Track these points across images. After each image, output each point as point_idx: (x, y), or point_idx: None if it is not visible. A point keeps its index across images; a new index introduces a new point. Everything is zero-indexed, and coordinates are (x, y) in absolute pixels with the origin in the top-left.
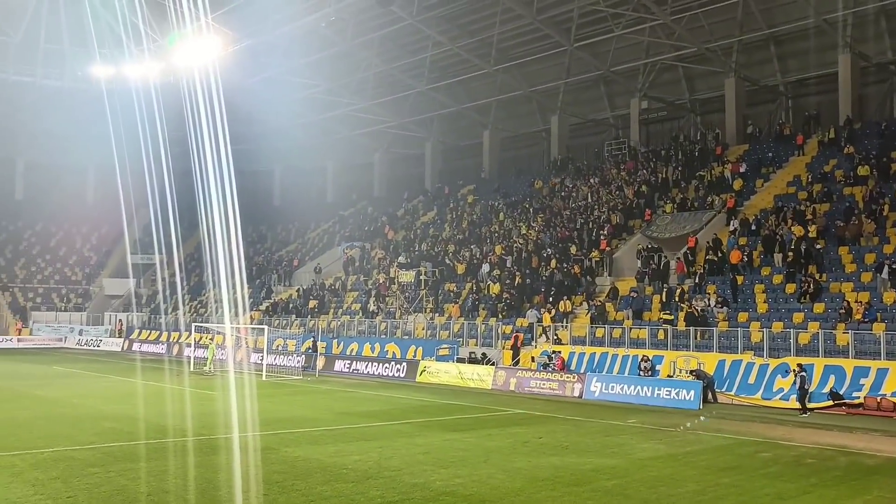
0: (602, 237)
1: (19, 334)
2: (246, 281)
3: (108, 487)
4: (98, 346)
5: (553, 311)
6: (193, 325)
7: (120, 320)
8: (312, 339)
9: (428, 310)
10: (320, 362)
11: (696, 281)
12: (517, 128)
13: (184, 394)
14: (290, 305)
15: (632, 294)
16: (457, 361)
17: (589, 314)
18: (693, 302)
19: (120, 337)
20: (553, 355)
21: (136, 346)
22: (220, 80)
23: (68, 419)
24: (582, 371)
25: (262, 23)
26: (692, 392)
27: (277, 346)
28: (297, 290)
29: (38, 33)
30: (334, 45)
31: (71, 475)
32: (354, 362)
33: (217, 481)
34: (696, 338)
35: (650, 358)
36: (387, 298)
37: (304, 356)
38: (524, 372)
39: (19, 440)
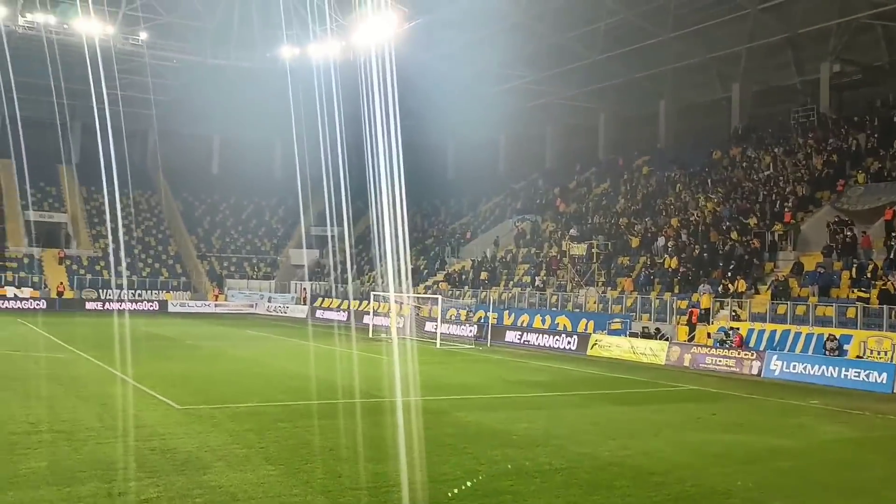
0: (786, 209)
1: (216, 300)
2: (412, 254)
3: (294, 441)
4: (285, 313)
5: (732, 287)
6: (372, 294)
7: (304, 288)
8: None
9: (600, 283)
10: (492, 333)
11: (893, 256)
12: (695, 97)
13: (366, 359)
14: (464, 277)
15: (818, 269)
16: (629, 336)
17: (769, 290)
18: (889, 278)
19: (305, 304)
20: (731, 332)
21: (319, 313)
22: (394, 57)
23: (259, 377)
24: (761, 349)
25: None
26: (884, 374)
27: (451, 315)
28: (471, 262)
29: (231, 19)
30: (508, 17)
31: (263, 428)
32: (525, 333)
33: (395, 439)
34: (890, 317)
35: (837, 337)
36: (558, 272)
37: (476, 326)
38: (699, 348)
39: (218, 394)
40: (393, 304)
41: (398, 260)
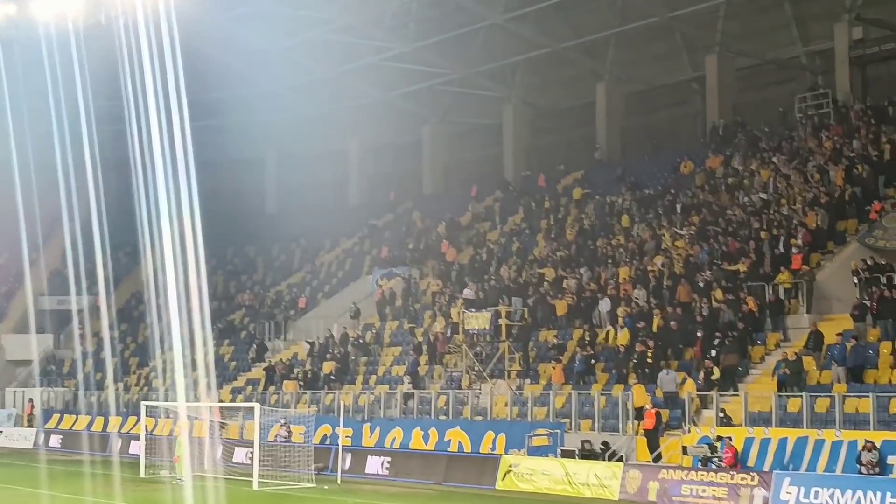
0: (794, 250)
1: None
2: (218, 334)
3: None
4: None
5: (717, 372)
6: (144, 404)
7: (30, 400)
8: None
9: (513, 374)
10: (344, 460)
11: None
12: (651, 77)
13: None
14: (296, 370)
15: (845, 341)
16: (562, 456)
17: (776, 375)
18: None
19: (30, 426)
20: (719, 443)
21: (55, 440)
22: (174, 21)
23: None
24: (765, 468)
25: None
26: None
27: (276, 435)
28: (307, 347)
29: None
30: None
31: None
32: (398, 459)
33: None
34: None
35: (877, 445)
36: (447, 356)
37: (317, 451)
38: (671, 471)
39: None
40: (182, 419)
41: (189, 345)
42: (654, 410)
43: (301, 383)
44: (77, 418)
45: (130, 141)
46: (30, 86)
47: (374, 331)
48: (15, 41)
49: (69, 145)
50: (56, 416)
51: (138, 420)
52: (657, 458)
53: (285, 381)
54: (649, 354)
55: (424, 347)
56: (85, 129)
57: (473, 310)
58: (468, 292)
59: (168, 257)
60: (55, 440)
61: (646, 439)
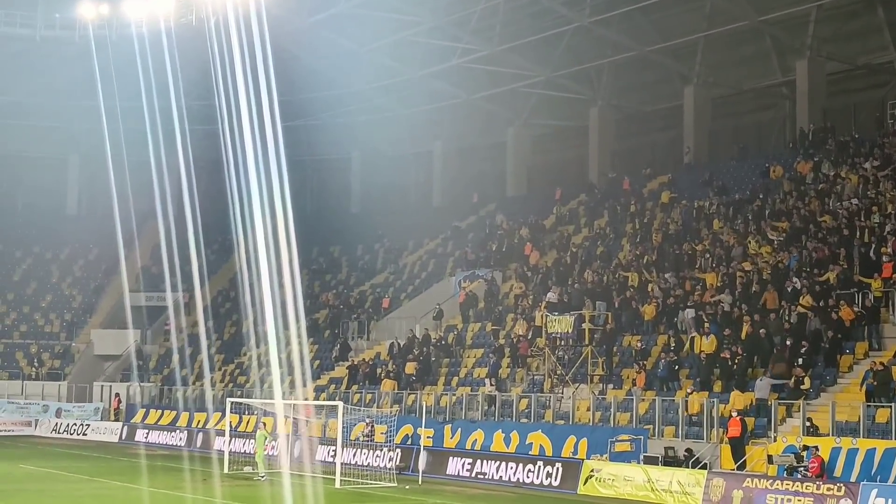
0: (885, 258)
1: None
2: (306, 333)
3: None
4: (84, 434)
5: (807, 382)
6: (229, 400)
7: (117, 394)
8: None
9: (596, 378)
10: (425, 461)
11: None
12: (740, 80)
13: None
14: (378, 370)
15: None
16: (644, 462)
17: (864, 385)
18: None
19: (117, 420)
20: (805, 453)
21: (140, 434)
22: (265, 22)
23: None
24: (852, 479)
25: None
26: None
27: (359, 434)
28: (390, 347)
29: None
30: None
31: None
32: (479, 461)
33: None
34: None
35: None
36: (529, 360)
37: (399, 451)
38: (756, 480)
39: None
40: (265, 417)
41: (282, 341)
42: (738, 418)
43: (381, 383)
44: (162, 413)
45: (222, 140)
46: (123, 85)
47: (456, 332)
48: (109, 41)
49: (162, 144)
50: (142, 411)
51: (223, 416)
52: (742, 467)
53: (385, 380)
54: (736, 361)
55: (507, 350)
56: (178, 128)
57: (556, 313)
58: (551, 295)
59: (262, 255)
60: (140, 435)
61: (730, 447)
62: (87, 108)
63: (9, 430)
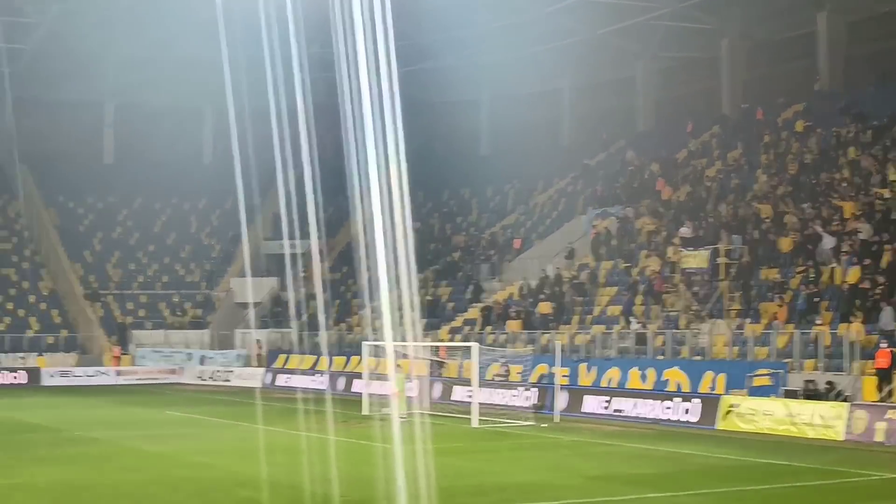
0: None
1: (118, 364)
2: (429, 277)
3: None
4: (227, 380)
5: None
6: (365, 344)
7: (258, 340)
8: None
9: (733, 313)
10: (562, 399)
11: None
12: (876, 4)
13: (357, 449)
14: (511, 310)
15: None
16: (784, 395)
17: None
18: None
19: (259, 365)
20: None
21: (282, 379)
22: None
23: (190, 485)
24: None
25: None
26: None
27: (494, 374)
28: (520, 287)
29: None
30: None
31: None
32: (615, 399)
33: None
34: None
35: None
36: (664, 296)
37: (535, 390)
38: None
39: None
40: (394, 358)
41: (403, 289)
42: (888, 350)
43: (517, 322)
44: (302, 358)
45: (342, 88)
46: (248, 36)
47: (588, 271)
48: None
49: (283, 93)
50: (282, 357)
51: (361, 359)
52: (887, 397)
53: (508, 321)
54: (877, 292)
55: (640, 287)
56: (297, 82)
57: (691, 248)
58: (685, 230)
59: (375, 202)
60: (282, 379)
61: (877, 378)
62: (213, 59)
63: (154, 378)
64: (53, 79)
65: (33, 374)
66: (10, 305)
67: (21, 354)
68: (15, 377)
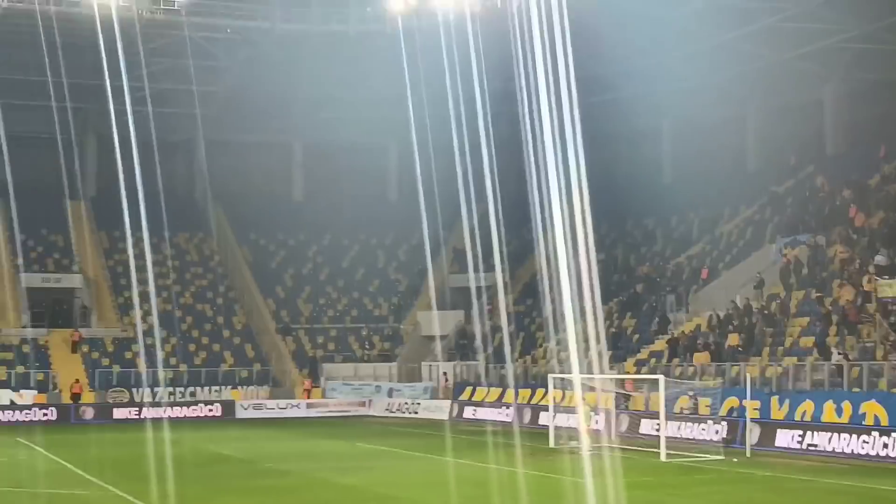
0: None
1: (308, 396)
2: (614, 310)
3: None
4: (415, 412)
5: None
6: (551, 377)
7: (444, 373)
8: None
9: None
10: (753, 433)
11: None
12: None
13: (545, 482)
14: (699, 342)
15: None
16: None
17: None
18: None
19: (445, 398)
20: None
21: (468, 411)
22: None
23: None
24: None
25: None
26: None
27: (682, 407)
28: (708, 318)
29: None
30: None
31: None
32: (808, 433)
33: None
34: None
35: None
36: (859, 326)
37: (725, 423)
38: None
39: None
40: (581, 391)
41: (588, 321)
42: None
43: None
44: (489, 390)
45: (524, 122)
46: (430, 73)
47: (779, 301)
48: (417, 31)
49: (466, 128)
50: (469, 389)
51: (546, 392)
52: None
53: (695, 354)
54: None
55: (834, 317)
56: (480, 118)
57: (886, 277)
58: (880, 258)
59: (558, 234)
60: (468, 412)
61: None
62: (398, 96)
63: (344, 411)
64: (244, 120)
65: (227, 406)
66: (205, 340)
67: (216, 388)
68: (210, 410)
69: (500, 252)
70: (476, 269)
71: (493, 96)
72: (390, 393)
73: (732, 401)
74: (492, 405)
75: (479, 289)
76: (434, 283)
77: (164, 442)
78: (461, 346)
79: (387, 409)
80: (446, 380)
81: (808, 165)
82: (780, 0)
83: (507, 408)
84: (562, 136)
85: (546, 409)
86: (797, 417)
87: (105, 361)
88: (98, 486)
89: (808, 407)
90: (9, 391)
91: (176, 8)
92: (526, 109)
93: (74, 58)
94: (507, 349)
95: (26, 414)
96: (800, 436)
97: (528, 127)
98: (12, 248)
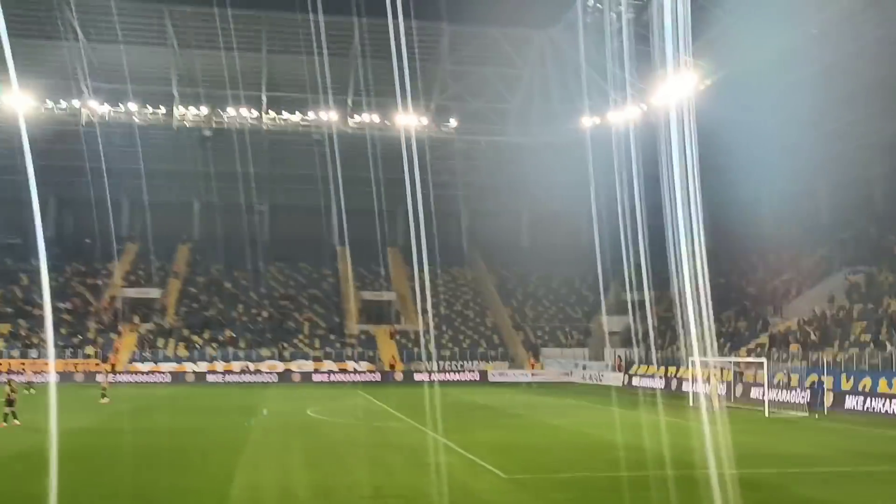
0: None
1: (532, 368)
2: (732, 314)
3: None
4: (600, 380)
5: None
6: (690, 360)
7: (619, 356)
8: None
9: None
10: (828, 399)
11: None
12: None
13: (683, 427)
14: (790, 337)
15: None
16: None
17: None
18: None
19: (620, 371)
20: None
21: (634, 381)
22: (694, 114)
23: (581, 447)
24: None
25: (737, 50)
26: None
27: (779, 380)
28: (798, 321)
29: (532, 97)
30: (819, 59)
31: (588, 499)
32: (868, 399)
33: None
34: None
35: None
36: None
37: (808, 391)
38: None
39: (540, 464)
40: (713, 369)
41: (702, 326)
42: None
43: (794, 345)
44: (647, 367)
45: (665, 196)
46: (602, 175)
47: (845, 310)
48: (596, 140)
49: (625, 203)
50: (634, 367)
51: (687, 369)
52: None
53: (789, 345)
54: None
55: (884, 321)
56: (636, 194)
57: None
58: None
59: (688, 267)
60: (635, 381)
61: None
62: (585, 181)
63: (556, 379)
64: (492, 198)
65: (483, 374)
66: (470, 332)
67: (475, 362)
68: (473, 376)
69: (648, 279)
70: (640, 289)
71: (648, 179)
72: (584, 368)
73: (813, 377)
74: (649, 377)
75: (640, 302)
76: (610, 298)
77: (444, 395)
78: (628, 338)
79: (582, 378)
80: (619, 360)
81: (863, 220)
82: None
83: (660, 379)
84: (688, 203)
85: (687, 380)
86: (860, 389)
87: (409, 345)
88: (404, 421)
89: (867, 382)
90: (352, 362)
91: (452, 127)
92: (667, 190)
93: (391, 161)
94: (657, 341)
95: (362, 376)
96: (862, 401)
97: (669, 199)
98: (355, 275)
